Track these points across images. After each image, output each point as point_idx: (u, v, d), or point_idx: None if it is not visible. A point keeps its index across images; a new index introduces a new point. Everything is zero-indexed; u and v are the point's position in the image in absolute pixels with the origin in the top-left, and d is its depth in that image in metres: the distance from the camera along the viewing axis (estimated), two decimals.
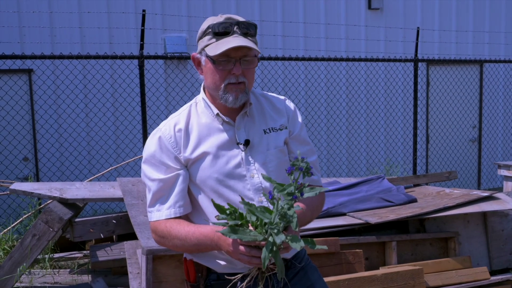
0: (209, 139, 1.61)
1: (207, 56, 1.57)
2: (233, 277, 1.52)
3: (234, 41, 1.52)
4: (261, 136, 1.65)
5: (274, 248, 1.37)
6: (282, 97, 1.77)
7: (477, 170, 8.42)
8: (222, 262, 1.60)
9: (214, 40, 1.55)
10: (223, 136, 1.62)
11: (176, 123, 1.64)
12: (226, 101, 1.58)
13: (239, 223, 1.40)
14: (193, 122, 1.64)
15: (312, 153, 1.75)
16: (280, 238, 1.35)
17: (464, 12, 8.40)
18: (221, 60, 1.54)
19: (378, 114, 7.88)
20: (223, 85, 1.57)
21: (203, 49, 1.58)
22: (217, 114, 1.62)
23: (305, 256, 1.77)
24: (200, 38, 1.60)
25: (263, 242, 1.38)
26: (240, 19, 1.58)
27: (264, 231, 1.38)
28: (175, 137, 1.61)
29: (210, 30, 1.56)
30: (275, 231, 1.36)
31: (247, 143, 1.62)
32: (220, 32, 1.54)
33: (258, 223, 1.39)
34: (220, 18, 1.57)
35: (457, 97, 8.29)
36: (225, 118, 1.63)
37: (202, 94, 1.68)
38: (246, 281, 1.47)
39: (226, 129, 1.63)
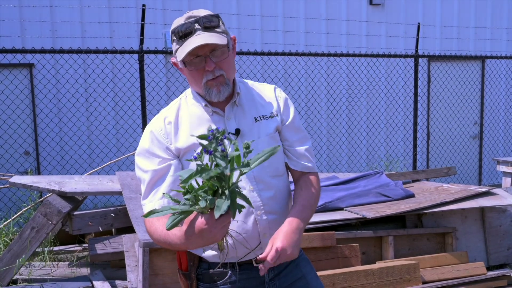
0: (199, 130, 1.62)
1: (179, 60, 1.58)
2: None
3: (195, 40, 1.51)
4: (252, 125, 1.66)
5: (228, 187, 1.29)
6: (272, 85, 1.78)
7: (478, 166, 8.42)
8: (213, 252, 1.62)
9: (180, 43, 1.55)
10: (213, 127, 1.63)
11: (166, 116, 1.66)
12: (210, 96, 1.60)
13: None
14: (183, 114, 1.66)
15: (306, 139, 1.76)
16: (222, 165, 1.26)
17: (466, 8, 8.37)
18: (191, 61, 1.55)
19: (379, 110, 7.87)
20: (202, 83, 1.58)
21: (175, 53, 1.60)
22: (206, 105, 1.64)
23: None
24: (172, 43, 1.61)
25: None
26: (202, 13, 1.56)
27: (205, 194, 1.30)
28: (166, 129, 1.63)
29: (173, 34, 1.56)
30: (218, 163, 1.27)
31: (237, 132, 1.63)
32: (182, 34, 1.54)
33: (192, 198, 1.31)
34: (181, 20, 1.57)
35: (458, 93, 8.27)
36: (214, 109, 1.64)
37: (191, 87, 1.70)
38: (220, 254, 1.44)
39: (216, 119, 1.64)
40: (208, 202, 1.30)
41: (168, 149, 1.62)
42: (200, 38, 1.52)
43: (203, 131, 1.62)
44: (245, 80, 1.77)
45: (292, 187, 1.77)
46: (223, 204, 1.28)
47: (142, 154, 1.64)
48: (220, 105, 1.65)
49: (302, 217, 1.61)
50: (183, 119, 1.65)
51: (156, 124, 1.66)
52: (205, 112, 1.64)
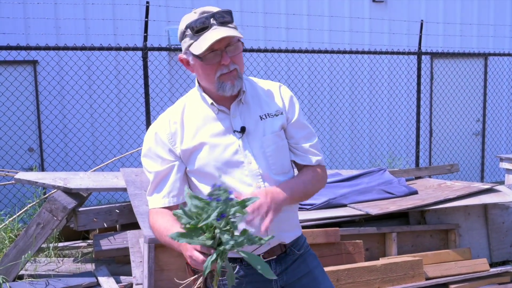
0: (205, 129, 1.64)
1: (194, 55, 1.58)
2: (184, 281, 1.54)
3: (215, 34, 1.53)
4: (257, 122, 1.67)
5: (222, 255, 1.32)
6: (277, 83, 1.79)
7: (481, 163, 8.43)
8: None
9: (195, 38, 1.56)
10: (219, 125, 1.65)
11: (171, 116, 1.68)
12: (224, 91, 1.60)
13: (200, 224, 1.32)
14: (188, 114, 1.67)
15: (312, 135, 1.78)
16: (229, 244, 1.29)
17: (469, 5, 8.36)
18: (207, 55, 1.56)
19: (381, 107, 7.88)
20: (216, 77, 1.59)
21: (187, 49, 1.60)
22: (212, 104, 1.65)
23: (305, 244, 1.80)
24: (182, 39, 1.61)
25: (212, 250, 1.33)
26: (214, 9, 1.58)
27: (212, 235, 1.33)
28: (171, 130, 1.65)
29: (188, 29, 1.57)
30: (225, 236, 1.30)
31: (243, 130, 1.64)
32: (198, 29, 1.55)
33: (207, 226, 1.33)
34: (194, 15, 1.57)
35: (461, 90, 8.27)
36: (219, 107, 1.65)
37: (197, 86, 1.71)
38: (198, 282, 1.48)
39: (222, 117, 1.65)
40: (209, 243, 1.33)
41: (171, 151, 1.64)
42: (219, 32, 1.53)
43: (209, 130, 1.64)
44: (250, 78, 1.78)
45: None
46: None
47: (146, 154, 1.68)
48: (226, 103, 1.66)
49: (297, 189, 1.65)
50: (188, 118, 1.66)
51: (160, 124, 1.67)
52: (210, 111, 1.66)
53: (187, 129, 1.65)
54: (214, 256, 1.31)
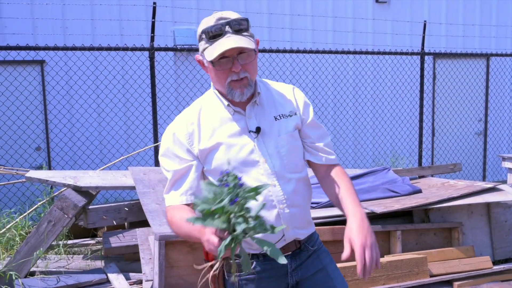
0: (222, 130, 1.69)
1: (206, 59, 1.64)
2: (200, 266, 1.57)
3: (227, 42, 1.58)
4: (272, 123, 1.73)
5: (236, 240, 1.34)
6: (290, 85, 1.85)
7: (483, 163, 8.48)
8: None
9: (209, 43, 1.62)
10: (235, 126, 1.70)
11: (189, 117, 1.73)
12: (233, 96, 1.67)
13: (213, 208, 1.35)
14: (205, 115, 1.73)
15: (326, 135, 1.84)
16: (241, 227, 1.31)
17: (471, 6, 8.42)
18: (218, 61, 1.61)
19: (385, 107, 7.94)
20: (226, 83, 1.65)
21: (202, 52, 1.66)
22: (228, 105, 1.71)
23: (318, 240, 1.86)
24: (199, 41, 1.67)
25: (226, 233, 1.35)
26: (232, 16, 1.62)
27: (226, 219, 1.35)
28: (188, 130, 1.70)
29: (204, 34, 1.62)
30: (239, 220, 1.33)
31: (258, 130, 1.70)
32: (212, 35, 1.60)
33: (222, 211, 1.34)
34: (211, 20, 1.62)
35: (464, 90, 8.33)
36: (235, 108, 1.71)
37: (212, 87, 1.77)
38: (214, 268, 1.51)
39: (238, 118, 1.71)
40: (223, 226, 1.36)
41: (189, 151, 1.69)
42: (231, 41, 1.58)
43: (225, 131, 1.70)
44: (264, 80, 1.84)
45: (312, 181, 1.85)
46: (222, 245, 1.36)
47: (164, 154, 1.73)
48: (242, 105, 1.71)
49: (358, 202, 1.69)
50: (205, 119, 1.72)
51: (178, 125, 1.73)
52: (226, 112, 1.71)
53: (204, 129, 1.70)
54: (228, 240, 1.34)
